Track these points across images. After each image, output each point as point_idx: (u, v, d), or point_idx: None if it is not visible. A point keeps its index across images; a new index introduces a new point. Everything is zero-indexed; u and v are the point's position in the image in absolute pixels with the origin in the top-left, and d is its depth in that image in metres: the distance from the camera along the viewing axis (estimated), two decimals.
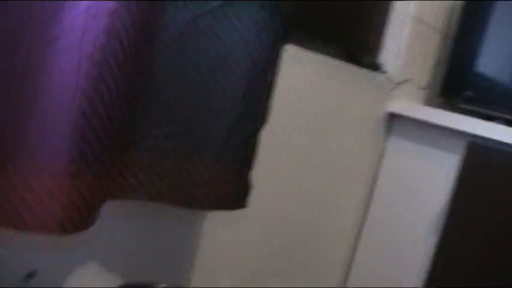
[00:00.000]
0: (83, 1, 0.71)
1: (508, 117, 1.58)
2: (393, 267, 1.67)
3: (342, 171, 1.62)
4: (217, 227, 1.28)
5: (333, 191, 1.61)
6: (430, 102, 1.84)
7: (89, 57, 0.72)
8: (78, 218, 0.77)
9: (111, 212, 0.99)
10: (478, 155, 1.52)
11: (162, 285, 0.99)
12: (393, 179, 1.71)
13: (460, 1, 1.76)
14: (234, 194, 1.04)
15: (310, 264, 1.61)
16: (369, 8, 1.65)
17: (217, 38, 0.94)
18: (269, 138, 1.23)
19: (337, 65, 1.50)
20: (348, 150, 1.61)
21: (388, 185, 1.72)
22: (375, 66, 1.64)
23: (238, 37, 0.95)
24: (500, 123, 1.52)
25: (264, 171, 1.30)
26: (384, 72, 1.66)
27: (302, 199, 1.51)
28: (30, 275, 0.94)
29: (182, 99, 0.93)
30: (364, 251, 1.74)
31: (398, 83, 1.69)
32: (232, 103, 0.97)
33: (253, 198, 1.11)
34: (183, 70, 0.92)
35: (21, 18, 0.70)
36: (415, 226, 1.64)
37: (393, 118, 1.72)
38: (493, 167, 1.50)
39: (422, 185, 1.65)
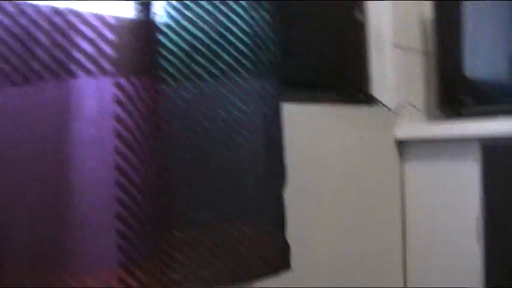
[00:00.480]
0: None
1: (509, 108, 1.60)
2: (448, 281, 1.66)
3: (371, 210, 1.63)
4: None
5: (369, 229, 1.62)
6: (431, 118, 1.87)
7: (112, 145, 0.75)
8: None
9: None
10: (496, 154, 1.54)
11: None
12: (420, 203, 1.72)
13: (430, 16, 1.82)
14: (278, 256, 1.04)
15: None
16: (350, 48, 1.71)
17: (222, 106, 0.98)
18: (295, 198, 1.25)
19: (337, 110, 1.54)
20: (371, 187, 1.63)
21: (418, 210, 1.72)
22: (371, 101, 1.69)
23: (242, 102, 0.99)
24: (505, 117, 1.54)
25: (302, 224, 1.32)
26: (381, 104, 1.70)
27: (345, 245, 1.52)
28: None
29: (201, 173, 0.96)
30: (414, 274, 1.74)
31: (398, 109, 1.73)
32: (249, 167, 1.00)
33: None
34: (194, 142, 0.96)
35: None
36: (456, 240, 1.64)
37: (403, 144, 1.74)
38: None
39: (451, 199, 1.65)
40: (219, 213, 0.99)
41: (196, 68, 0.98)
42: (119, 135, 0.77)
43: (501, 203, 1.52)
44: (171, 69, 0.96)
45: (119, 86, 0.77)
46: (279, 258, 1.05)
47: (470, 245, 1.60)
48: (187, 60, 0.97)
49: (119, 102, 0.77)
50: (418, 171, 1.71)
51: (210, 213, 0.98)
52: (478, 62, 1.69)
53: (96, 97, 0.76)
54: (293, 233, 1.11)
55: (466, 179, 1.61)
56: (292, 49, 1.50)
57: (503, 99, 1.65)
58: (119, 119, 0.77)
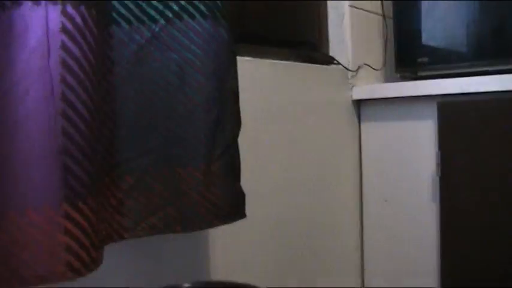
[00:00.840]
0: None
1: (465, 69, 1.63)
2: (403, 242, 1.69)
3: (328, 166, 1.64)
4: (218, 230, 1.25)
5: (324, 186, 1.63)
6: (388, 79, 1.89)
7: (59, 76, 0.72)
8: (86, 255, 0.76)
9: None
10: (451, 112, 1.56)
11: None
12: (377, 162, 1.74)
13: None
14: (231, 204, 1.02)
15: (320, 254, 1.61)
16: (308, 6, 1.70)
17: (176, 49, 0.95)
18: (251, 145, 1.25)
19: (294, 66, 1.53)
20: (327, 146, 1.63)
21: (375, 169, 1.74)
22: (328, 60, 1.68)
23: (196, 45, 0.96)
24: (460, 76, 1.56)
25: (254, 176, 1.31)
26: (338, 64, 1.70)
27: (297, 196, 1.52)
28: None
29: (151, 116, 0.94)
30: (371, 232, 1.76)
31: (355, 70, 1.74)
32: (202, 111, 0.98)
33: (249, 203, 1.09)
34: (145, 85, 0.94)
35: None
36: (412, 198, 1.67)
37: (360, 104, 1.75)
38: (468, 120, 1.54)
39: (407, 158, 1.67)
40: (170, 158, 0.96)
41: (149, 10, 0.95)
42: (66, 65, 0.73)
43: (456, 160, 1.55)
44: (123, 11, 0.94)
45: (66, 14, 0.73)
46: (232, 206, 1.03)
47: (426, 202, 1.63)
48: (141, 2, 0.94)
49: (66, 32, 0.73)
50: (375, 130, 1.73)
51: (160, 158, 0.95)
52: (434, 25, 1.70)
53: (42, 26, 0.72)
54: (244, 186, 1.09)
55: (421, 138, 1.64)
56: (247, 2, 1.48)
57: (457, 60, 1.67)
58: (66, 49, 0.73)
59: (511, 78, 1.48)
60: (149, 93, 0.94)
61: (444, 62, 1.69)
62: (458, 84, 1.55)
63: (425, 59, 1.69)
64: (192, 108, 0.96)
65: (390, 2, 1.80)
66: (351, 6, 1.73)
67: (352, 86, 1.73)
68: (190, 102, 0.96)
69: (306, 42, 1.70)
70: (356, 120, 1.76)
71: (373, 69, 1.83)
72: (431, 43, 1.71)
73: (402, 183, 1.68)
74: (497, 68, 1.57)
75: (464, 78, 1.54)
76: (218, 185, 0.99)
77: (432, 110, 1.60)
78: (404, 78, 1.76)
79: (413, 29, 1.72)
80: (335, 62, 1.69)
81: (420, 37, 1.71)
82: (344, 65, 1.71)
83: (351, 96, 1.73)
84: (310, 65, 1.59)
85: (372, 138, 1.74)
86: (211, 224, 1.00)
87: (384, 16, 1.87)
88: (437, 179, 1.58)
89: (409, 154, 1.67)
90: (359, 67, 1.75)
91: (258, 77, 1.38)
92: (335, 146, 1.67)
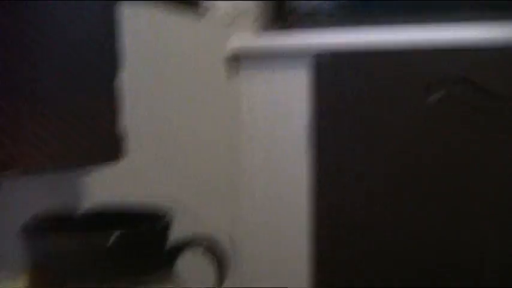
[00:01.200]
0: None
1: (344, 23, 1.62)
2: (280, 188, 1.68)
3: (206, 116, 1.57)
4: None
5: (203, 140, 1.56)
6: (264, 31, 1.80)
7: None
8: None
9: None
10: (326, 63, 1.55)
11: None
12: (255, 116, 1.69)
13: None
14: (113, 144, 0.98)
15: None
16: None
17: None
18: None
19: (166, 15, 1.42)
20: (204, 98, 1.56)
21: (253, 123, 1.69)
22: (202, 10, 1.56)
23: None
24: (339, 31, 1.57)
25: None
26: (213, 14, 1.60)
27: (179, 147, 1.46)
28: None
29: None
30: (248, 181, 1.71)
31: (232, 18, 1.66)
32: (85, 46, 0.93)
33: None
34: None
35: None
36: (289, 150, 1.65)
37: (238, 56, 1.67)
38: (344, 72, 1.55)
39: (285, 110, 1.65)
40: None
41: None
42: None
43: (330, 112, 1.57)
44: None
45: None
46: (113, 147, 1.00)
47: (301, 153, 1.61)
48: None
49: None
50: (252, 83, 1.67)
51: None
52: None
53: None
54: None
55: (297, 90, 1.61)
56: None
57: (332, 12, 1.67)
58: None
59: (387, 30, 1.51)
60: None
61: (320, 15, 1.67)
62: (333, 37, 1.55)
63: (302, 11, 1.68)
64: (72, 46, 0.90)
65: None
66: None
67: (229, 37, 1.65)
68: (70, 40, 0.91)
69: None
70: (233, 72, 1.68)
71: (249, 21, 1.75)
72: None
73: (280, 136, 1.66)
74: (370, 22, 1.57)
75: (341, 33, 1.56)
76: (98, 125, 0.95)
77: (307, 62, 1.58)
78: (280, 30, 1.73)
79: None
80: (208, 11, 1.58)
81: None
82: (218, 15, 1.62)
83: (227, 47, 1.65)
84: (183, 14, 1.48)
85: (249, 90, 1.68)
86: (91, 163, 0.98)
87: None
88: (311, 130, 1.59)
89: (287, 107, 1.65)
90: (235, 18, 1.67)
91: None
92: (213, 98, 1.60)
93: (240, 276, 1.65)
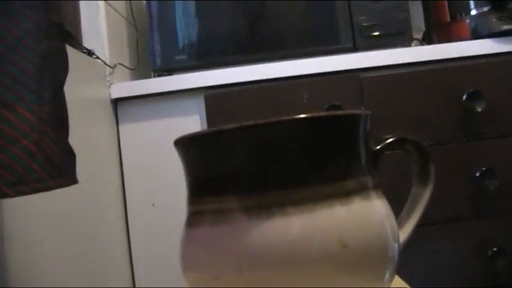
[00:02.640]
0: None
1: (224, 65, 1.66)
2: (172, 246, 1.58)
3: (89, 169, 1.45)
4: None
5: (88, 192, 1.45)
6: (145, 77, 1.85)
7: None
8: None
9: None
10: (218, 103, 1.58)
11: None
12: (141, 162, 1.64)
13: None
14: (65, 163, 0.86)
15: (95, 260, 1.41)
16: None
17: None
18: None
19: None
20: (87, 147, 1.46)
21: (139, 170, 1.64)
22: (88, 52, 1.55)
23: None
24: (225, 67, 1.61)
25: None
26: (97, 58, 1.58)
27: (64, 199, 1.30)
28: None
29: None
30: (139, 238, 1.63)
31: (113, 67, 1.65)
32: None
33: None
34: None
35: None
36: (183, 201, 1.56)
37: (117, 103, 1.65)
38: (234, 109, 1.58)
39: (175, 156, 1.57)
40: None
41: None
42: None
43: None
44: None
45: None
46: (67, 166, 0.88)
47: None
48: None
49: None
50: (136, 131, 1.64)
51: None
52: (190, 23, 1.72)
53: None
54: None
55: (183, 132, 1.55)
56: None
57: (215, 55, 1.71)
58: None
59: (269, 67, 1.58)
60: None
61: (202, 59, 1.71)
62: (221, 75, 1.59)
63: (183, 56, 1.69)
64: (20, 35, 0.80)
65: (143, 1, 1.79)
66: (105, 0, 1.65)
67: (110, 84, 1.63)
68: (12, 43, 0.79)
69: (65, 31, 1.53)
70: (114, 120, 1.64)
71: (128, 68, 1.77)
72: (188, 40, 1.71)
73: (170, 183, 1.61)
74: (254, 60, 1.64)
75: (229, 69, 1.59)
76: (51, 135, 0.81)
77: (196, 104, 1.60)
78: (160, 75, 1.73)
79: (170, 27, 1.71)
80: (94, 56, 1.57)
81: (177, 34, 1.71)
82: (102, 60, 1.60)
83: (109, 94, 1.62)
84: (75, 51, 1.43)
85: (134, 139, 1.64)
86: (47, 185, 0.80)
87: (133, 17, 1.86)
88: None
89: (175, 153, 1.57)
90: (115, 65, 1.66)
91: None
92: (95, 149, 1.51)
93: None
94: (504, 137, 1.56)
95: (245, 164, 0.44)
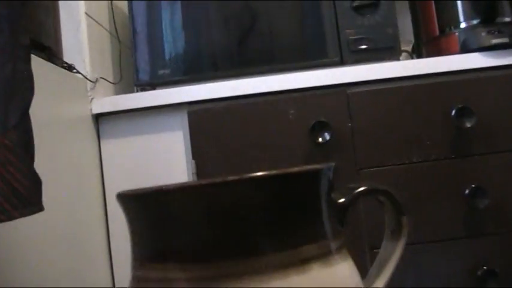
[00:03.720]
0: None
1: (208, 80, 1.64)
2: None
3: (70, 186, 1.42)
4: None
5: (70, 208, 1.40)
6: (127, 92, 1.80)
7: None
8: None
9: None
10: (201, 119, 1.55)
11: None
12: (123, 178, 1.60)
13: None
14: (31, 190, 0.83)
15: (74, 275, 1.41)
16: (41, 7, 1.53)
17: None
18: None
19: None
20: (68, 163, 1.42)
21: (121, 186, 1.56)
22: (68, 67, 1.52)
23: None
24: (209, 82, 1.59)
25: None
26: (78, 73, 1.54)
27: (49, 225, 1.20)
28: None
29: None
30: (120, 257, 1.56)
31: (95, 82, 1.61)
32: None
33: None
34: None
35: None
36: None
37: (99, 119, 1.62)
38: (218, 125, 1.55)
39: (157, 170, 1.59)
40: None
41: None
42: None
43: (210, 166, 1.52)
44: None
45: None
46: (32, 194, 0.85)
47: None
48: None
49: None
50: (118, 146, 1.61)
51: None
52: (175, 38, 1.69)
53: None
54: None
55: (171, 149, 1.58)
56: None
57: (200, 71, 1.69)
58: None
59: (254, 81, 1.55)
60: None
61: (186, 74, 1.67)
62: (205, 90, 1.56)
63: (166, 71, 1.66)
64: None
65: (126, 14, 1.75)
66: (86, 14, 1.61)
67: (92, 99, 1.59)
68: None
69: (43, 46, 1.48)
70: (96, 136, 1.61)
71: (110, 82, 1.73)
72: (172, 55, 1.68)
73: None
74: (240, 75, 1.61)
75: (213, 83, 1.57)
76: (15, 163, 0.79)
77: (179, 119, 1.57)
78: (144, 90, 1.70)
79: (154, 41, 1.68)
80: (75, 70, 1.54)
81: (161, 48, 1.68)
82: (83, 75, 1.56)
83: (91, 109, 1.58)
84: (55, 67, 1.40)
85: (116, 155, 1.61)
86: (10, 216, 0.77)
87: (116, 30, 1.82)
88: None
89: (158, 168, 1.59)
90: (97, 79, 1.62)
91: None
92: (76, 165, 1.47)
93: None
94: (495, 153, 1.53)
95: (189, 230, 0.39)
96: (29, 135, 0.86)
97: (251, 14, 1.67)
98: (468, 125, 1.48)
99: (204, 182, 0.38)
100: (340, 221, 0.43)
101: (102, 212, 1.58)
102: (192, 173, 1.53)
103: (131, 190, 0.41)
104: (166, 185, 0.39)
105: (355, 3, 1.61)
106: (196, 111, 1.55)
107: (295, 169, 0.40)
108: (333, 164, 0.43)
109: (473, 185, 1.48)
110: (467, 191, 1.48)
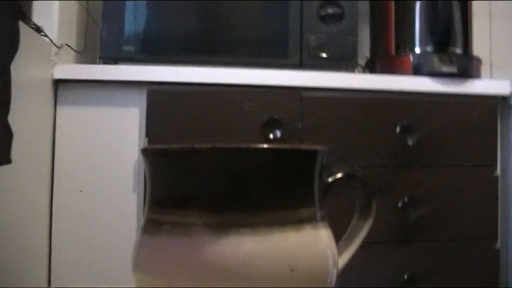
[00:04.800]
0: None
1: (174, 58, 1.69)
2: (99, 236, 1.59)
3: (21, 148, 1.35)
4: None
5: (14, 172, 1.36)
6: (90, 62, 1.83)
7: None
8: None
9: None
10: (160, 99, 1.59)
11: None
12: (73, 147, 1.61)
13: None
14: (4, 143, 0.85)
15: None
16: None
17: None
18: None
19: None
20: (21, 126, 1.38)
21: (70, 154, 1.61)
22: (36, 29, 1.51)
23: None
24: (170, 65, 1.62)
25: None
26: (45, 36, 1.55)
27: None
28: None
29: None
30: (61, 225, 1.59)
31: (60, 47, 1.62)
32: None
33: None
34: None
35: None
36: (112, 188, 1.60)
37: (58, 85, 1.62)
38: (176, 108, 1.60)
39: (109, 145, 1.61)
40: None
41: None
42: None
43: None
44: None
45: None
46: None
47: (127, 192, 1.59)
48: None
49: None
50: (73, 115, 1.62)
51: None
52: (143, 15, 1.72)
53: None
54: None
55: (125, 125, 1.61)
56: None
57: (164, 52, 1.72)
58: None
59: (215, 71, 1.60)
60: None
61: (150, 54, 1.71)
62: (166, 72, 1.60)
63: (131, 48, 1.69)
64: None
65: None
66: None
67: (54, 64, 1.60)
68: None
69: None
70: (53, 102, 1.61)
71: (74, 50, 1.75)
72: (139, 33, 1.71)
73: (101, 172, 1.60)
74: (202, 62, 1.67)
75: (175, 67, 1.60)
76: None
77: (138, 97, 1.61)
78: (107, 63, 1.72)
79: (123, 16, 1.70)
80: (42, 33, 1.53)
81: (128, 24, 1.71)
82: (51, 38, 1.57)
83: (52, 74, 1.59)
84: (23, 26, 1.33)
85: (70, 123, 1.62)
86: None
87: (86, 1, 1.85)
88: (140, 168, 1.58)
89: (110, 142, 1.61)
90: (62, 45, 1.64)
91: None
92: (29, 128, 1.45)
93: None
94: (430, 167, 1.64)
95: (209, 184, 0.46)
96: (7, 89, 0.89)
97: (222, 4, 1.72)
98: (410, 142, 1.60)
99: (232, 145, 0.45)
100: (325, 196, 0.51)
101: (48, 178, 1.59)
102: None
103: (161, 146, 0.48)
104: (198, 145, 0.45)
105: (322, 12, 1.69)
106: (156, 90, 1.59)
107: (304, 146, 0.48)
108: (326, 148, 0.50)
109: (407, 196, 1.58)
110: (401, 201, 1.59)
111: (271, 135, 1.57)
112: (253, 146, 0.46)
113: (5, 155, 0.88)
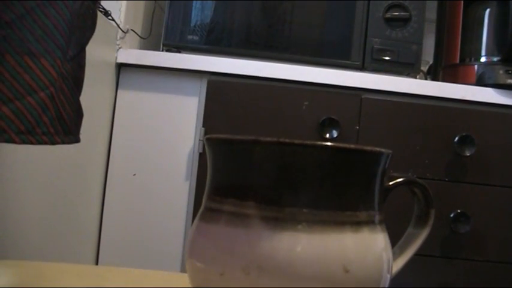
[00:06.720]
0: None
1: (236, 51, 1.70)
2: (149, 221, 1.62)
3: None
4: None
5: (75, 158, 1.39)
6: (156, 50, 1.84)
7: None
8: None
9: None
10: (219, 90, 1.61)
11: None
12: (130, 130, 1.64)
13: None
14: (75, 120, 0.87)
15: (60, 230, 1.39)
16: None
17: None
18: None
19: None
20: (84, 104, 1.41)
21: (126, 137, 1.64)
22: (105, 12, 1.55)
23: None
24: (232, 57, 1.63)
25: None
26: (112, 20, 1.58)
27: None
28: None
29: None
30: (113, 207, 1.63)
31: (126, 32, 1.65)
32: None
33: None
34: None
35: None
36: (165, 175, 1.62)
37: (121, 69, 1.65)
38: (233, 100, 1.61)
39: (165, 131, 1.63)
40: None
41: None
42: None
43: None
44: None
45: None
46: (75, 124, 0.89)
47: (180, 180, 1.61)
48: None
49: None
50: (132, 98, 1.65)
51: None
52: (209, 7, 1.73)
53: None
54: None
55: (183, 113, 1.62)
56: None
57: (227, 45, 1.73)
58: None
59: (276, 67, 1.61)
60: None
61: (212, 44, 1.72)
62: (228, 63, 1.61)
63: (195, 37, 1.70)
64: None
65: None
66: None
67: (119, 48, 1.63)
68: None
69: None
70: (114, 85, 1.65)
71: (140, 36, 1.78)
72: (204, 23, 1.72)
73: (156, 158, 1.63)
74: (263, 57, 1.68)
75: (237, 59, 1.62)
76: (66, 93, 0.82)
77: (198, 86, 1.62)
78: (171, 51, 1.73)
79: (189, 5, 1.72)
80: (110, 17, 1.57)
81: (193, 14, 1.72)
82: (118, 23, 1.60)
83: (116, 58, 1.62)
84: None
85: (129, 107, 1.65)
86: (52, 140, 0.80)
87: None
88: (198, 155, 1.59)
89: (167, 128, 1.63)
90: (128, 30, 1.67)
91: None
92: (89, 109, 1.41)
93: None
94: (485, 185, 1.60)
95: (270, 178, 0.46)
96: (81, 70, 0.91)
97: (288, 1, 1.72)
98: (467, 153, 1.56)
99: (296, 141, 0.45)
100: (384, 201, 0.50)
101: (104, 159, 1.63)
102: (199, 140, 1.58)
103: (226, 136, 0.48)
104: (262, 137, 0.45)
105: (388, 15, 1.67)
106: (217, 81, 1.60)
107: (369, 148, 0.47)
108: (391, 151, 0.50)
109: (458, 210, 1.55)
110: (452, 214, 1.55)
111: (327, 135, 1.57)
112: (318, 143, 0.45)
113: (75, 134, 0.90)
